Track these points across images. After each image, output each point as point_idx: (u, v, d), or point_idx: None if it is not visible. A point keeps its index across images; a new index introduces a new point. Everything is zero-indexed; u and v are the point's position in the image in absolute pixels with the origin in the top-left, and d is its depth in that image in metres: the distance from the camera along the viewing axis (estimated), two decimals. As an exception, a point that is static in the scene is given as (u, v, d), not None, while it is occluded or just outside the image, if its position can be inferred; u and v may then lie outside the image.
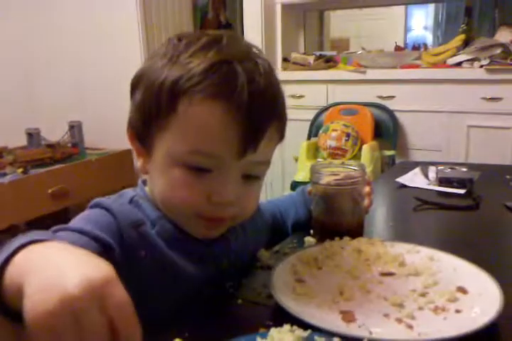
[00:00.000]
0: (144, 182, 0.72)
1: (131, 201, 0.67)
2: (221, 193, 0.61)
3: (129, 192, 0.70)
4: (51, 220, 2.96)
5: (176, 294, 0.65)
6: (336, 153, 2.65)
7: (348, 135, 2.65)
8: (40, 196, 2.69)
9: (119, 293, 0.36)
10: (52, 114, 3.52)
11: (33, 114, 3.56)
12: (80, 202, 3.09)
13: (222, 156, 0.59)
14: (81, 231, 0.59)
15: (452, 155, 2.63)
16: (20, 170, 2.68)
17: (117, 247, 0.61)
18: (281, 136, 0.66)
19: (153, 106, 0.60)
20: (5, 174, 2.65)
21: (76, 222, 0.63)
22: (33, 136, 2.98)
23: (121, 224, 0.62)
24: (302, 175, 2.66)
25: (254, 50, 0.64)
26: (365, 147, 2.59)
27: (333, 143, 2.65)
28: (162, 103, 0.59)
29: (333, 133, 2.67)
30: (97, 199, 0.66)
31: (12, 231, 2.88)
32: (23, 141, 3.09)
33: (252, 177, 0.64)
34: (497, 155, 2.48)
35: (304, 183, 2.88)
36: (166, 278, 0.65)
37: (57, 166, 2.86)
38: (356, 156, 2.63)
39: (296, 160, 2.81)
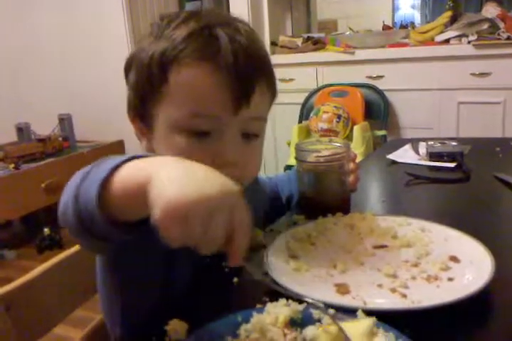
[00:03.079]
0: None
1: None
2: (223, 154, 0.63)
3: None
4: (46, 214, 2.96)
5: (187, 263, 0.67)
6: (328, 135, 2.65)
7: (339, 116, 2.65)
8: (34, 191, 2.69)
9: (244, 206, 0.41)
10: (41, 108, 3.49)
11: (22, 109, 3.53)
12: (74, 195, 3.08)
13: (219, 115, 0.62)
14: None
15: (443, 132, 2.63)
16: (11, 165, 2.66)
17: None
18: (273, 93, 0.69)
19: (146, 81, 0.63)
20: (-4, 170, 2.64)
21: None
22: (23, 130, 2.96)
23: None
24: (295, 158, 2.66)
25: (233, 16, 0.67)
26: (356, 128, 2.60)
27: (325, 126, 2.65)
28: (154, 76, 0.62)
29: (324, 116, 2.67)
30: None
31: (7, 227, 2.88)
32: (13, 136, 3.07)
33: (252, 136, 0.67)
34: (487, 130, 2.50)
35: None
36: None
37: (49, 160, 2.85)
38: (348, 137, 2.63)
39: (289, 144, 2.81)
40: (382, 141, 2.68)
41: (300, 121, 2.91)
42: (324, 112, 2.68)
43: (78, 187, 0.48)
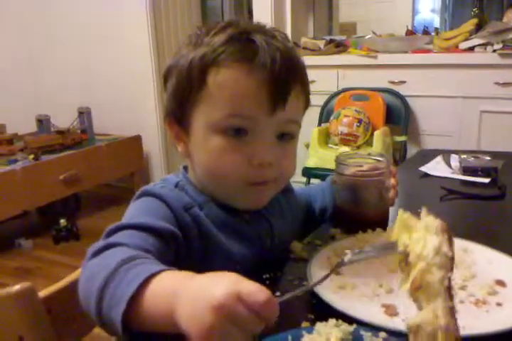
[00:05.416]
0: (185, 169, 0.75)
1: (176, 186, 0.71)
2: (260, 154, 0.65)
3: (172, 177, 0.74)
4: (62, 205, 2.98)
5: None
6: (348, 139, 2.64)
7: (359, 121, 2.64)
8: (52, 182, 2.71)
9: (249, 286, 0.40)
10: (61, 100, 3.51)
11: (43, 101, 3.56)
12: (90, 187, 3.12)
13: (255, 115, 0.64)
14: (145, 227, 0.59)
15: (464, 140, 2.62)
16: (31, 156, 2.68)
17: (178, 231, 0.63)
18: (306, 99, 0.71)
19: (186, 85, 0.65)
20: (16, 160, 2.66)
21: (133, 214, 0.65)
22: (42, 122, 2.98)
23: (174, 208, 0.66)
24: (313, 161, 2.66)
25: (268, 26, 0.70)
26: (376, 133, 2.58)
27: (345, 129, 2.64)
28: (193, 79, 0.64)
29: (345, 119, 2.65)
30: (145, 188, 0.69)
31: (24, 217, 2.90)
32: (33, 127, 3.09)
33: (287, 137, 0.69)
34: (510, 140, 2.47)
35: (315, 169, 2.83)
36: (215, 258, 0.68)
37: (67, 152, 2.87)
38: (368, 142, 2.62)
39: (307, 146, 2.80)
40: (402, 147, 2.67)
41: (319, 124, 2.90)
42: (345, 116, 2.67)
43: (98, 303, 0.48)
